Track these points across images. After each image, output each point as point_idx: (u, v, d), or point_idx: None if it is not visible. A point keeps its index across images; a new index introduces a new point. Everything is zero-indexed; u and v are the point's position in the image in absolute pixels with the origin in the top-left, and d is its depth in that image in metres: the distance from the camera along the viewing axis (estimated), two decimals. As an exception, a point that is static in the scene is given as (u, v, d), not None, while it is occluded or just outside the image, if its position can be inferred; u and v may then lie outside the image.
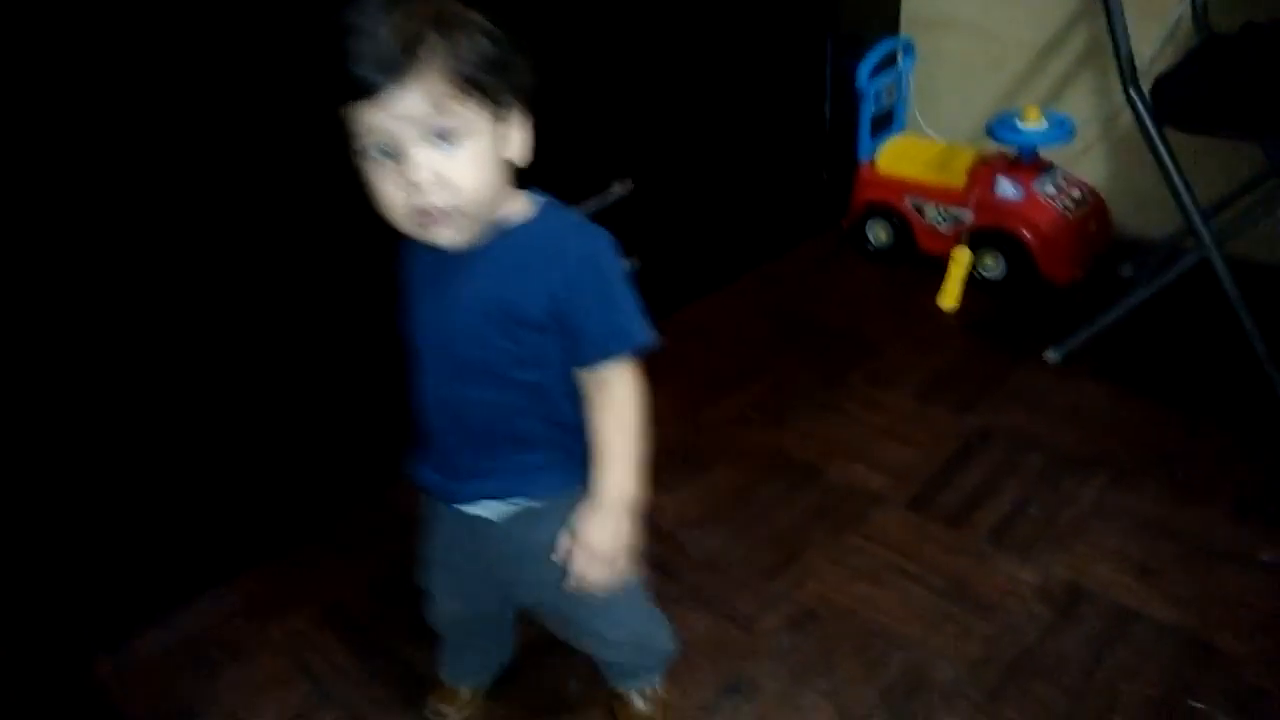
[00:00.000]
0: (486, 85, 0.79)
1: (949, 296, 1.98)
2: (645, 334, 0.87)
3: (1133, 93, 1.55)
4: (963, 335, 1.92)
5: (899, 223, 2.11)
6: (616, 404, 0.88)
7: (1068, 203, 1.96)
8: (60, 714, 1.31)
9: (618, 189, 1.76)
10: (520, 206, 0.89)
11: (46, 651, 1.38)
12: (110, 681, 1.34)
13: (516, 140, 0.85)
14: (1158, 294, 1.70)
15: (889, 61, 2.16)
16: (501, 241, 0.87)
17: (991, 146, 2.01)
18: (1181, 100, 1.51)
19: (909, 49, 2.20)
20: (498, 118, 0.82)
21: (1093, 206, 2.00)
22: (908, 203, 2.09)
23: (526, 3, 1.45)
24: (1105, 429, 1.63)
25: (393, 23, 0.74)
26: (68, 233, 1.16)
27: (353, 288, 1.39)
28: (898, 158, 2.14)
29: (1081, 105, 2.05)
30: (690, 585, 1.42)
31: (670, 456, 1.65)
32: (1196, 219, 1.57)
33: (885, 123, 2.21)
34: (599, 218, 1.74)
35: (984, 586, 1.37)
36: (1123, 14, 1.54)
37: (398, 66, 0.74)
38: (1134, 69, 1.55)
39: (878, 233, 2.15)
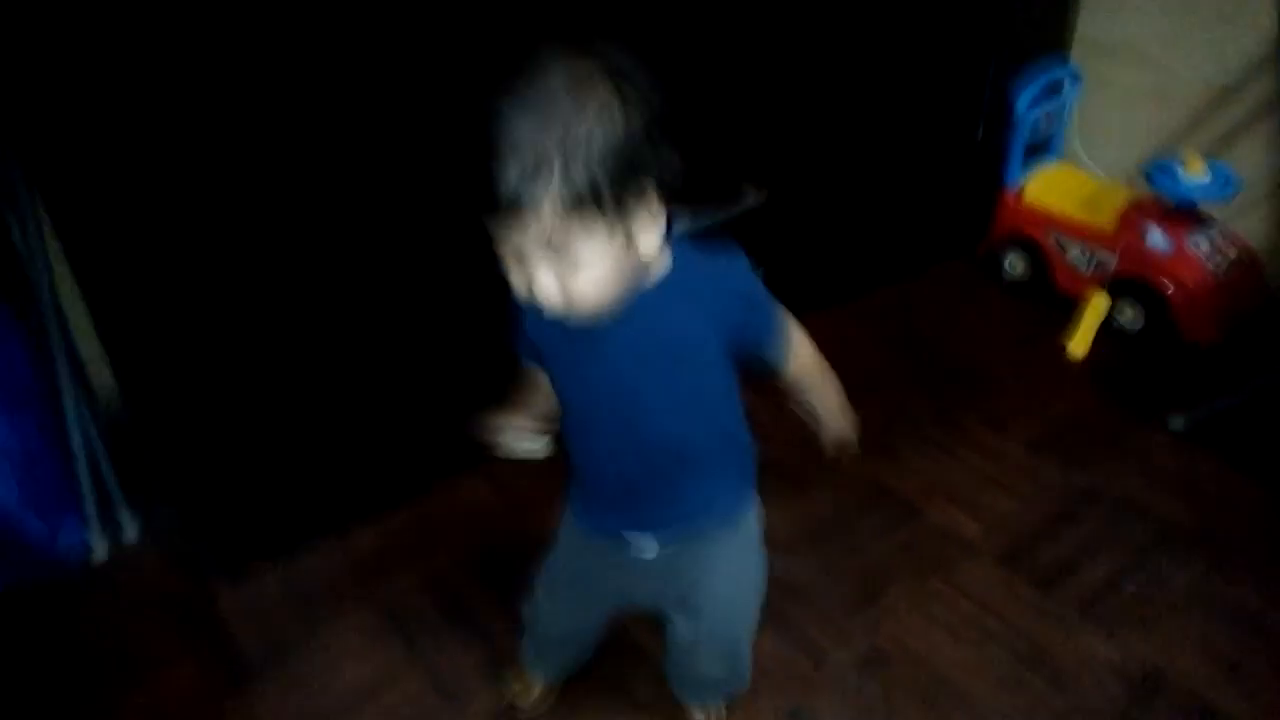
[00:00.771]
0: (605, 200, 0.78)
1: (1079, 343, 1.93)
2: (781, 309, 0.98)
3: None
4: (1087, 386, 1.87)
5: (1038, 257, 2.06)
6: (808, 353, 1.03)
7: (1220, 262, 1.87)
8: (182, 636, 1.45)
9: (753, 198, 1.77)
10: (660, 261, 0.90)
11: (182, 572, 1.53)
12: (226, 609, 1.47)
13: (650, 230, 0.84)
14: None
15: (1052, 88, 2.08)
16: (660, 290, 0.88)
17: (1149, 189, 1.93)
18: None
19: (1076, 78, 2.12)
20: (624, 221, 0.81)
21: (1247, 268, 1.91)
22: (1050, 238, 2.03)
23: (689, 9, 1.50)
24: (1216, 510, 1.58)
25: (535, 145, 0.75)
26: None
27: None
28: (1047, 189, 2.08)
29: (1251, 158, 1.95)
30: (770, 608, 1.45)
31: (771, 473, 1.66)
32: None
33: (1041, 151, 2.14)
34: (734, 224, 1.78)
35: (1063, 657, 1.37)
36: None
37: (529, 190, 0.75)
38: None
39: (1014, 264, 2.10)
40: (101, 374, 1.67)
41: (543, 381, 1.04)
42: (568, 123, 0.75)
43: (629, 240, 0.82)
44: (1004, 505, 1.61)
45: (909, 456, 1.72)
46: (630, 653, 1.32)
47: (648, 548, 1.03)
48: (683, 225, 1.71)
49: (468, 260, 1.42)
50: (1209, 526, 1.56)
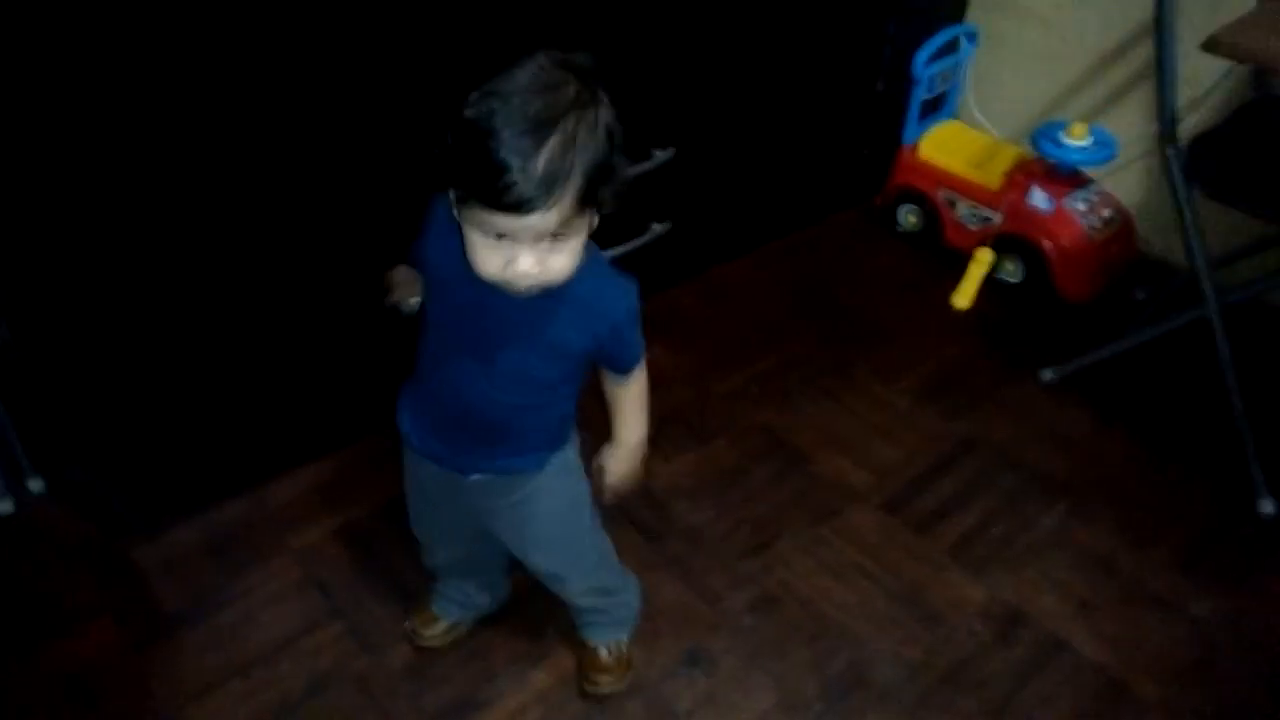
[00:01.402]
0: (601, 197, 0.88)
1: (964, 296, 2.05)
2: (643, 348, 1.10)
3: (1169, 150, 1.58)
4: (969, 338, 2.00)
5: (930, 211, 2.16)
6: (634, 391, 1.12)
7: (1095, 222, 2.00)
8: (99, 588, 1.47)
9: (660, 155, 1.81)
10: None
11: (95, 526, 1.55)
12: (144, 566, 1.50)
13: (595, 221, 0.94)
14: (1161, 330, 1.77)
15: (949, 47, 2.16)
16: (558, 290, 0.95)
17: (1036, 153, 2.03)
18: (1214, 169, 1.55)
19: (972, 37, 2.19)
20: (596, 212, 0.91)
21: (1120, 228, 2.04)
22: (941, 194, 2.13)
23: None
24: (1079, 458, 1.73)
25: (548, 151, 0.81)
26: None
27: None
28: (940, 146, 2.16)
29: (1131, 119, 2.06)
30: (670, 554, 1.56)
31: (675, 424, 1.77)
32: (1206, 282, 1.63)
33: (936, 106, 2.22)
34: (641, 181, 1.81)
35: (935, 598, 1.51)
36: (1175, 61, 1.55)
37: (547, 196, 0.82)
38: (1174, 124, 1.58)
39: (907, 217, 2.20)
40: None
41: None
42: (573, 132, 0.83)
43: (592, 222, 0.92)
44: (889, 454, 1.74)
45: (803, 406, 1.82)
46: (540, 602, 1.40)
47: (457, 466, 1.11)
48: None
49: (371, 214, 1.45)
50: (1073, 474, 1.70)
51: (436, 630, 1.40)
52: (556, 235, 0.87)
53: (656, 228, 1.89)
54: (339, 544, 1.55)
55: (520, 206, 0.83)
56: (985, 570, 1.55)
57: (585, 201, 0.86)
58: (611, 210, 0.93)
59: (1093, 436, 1.78)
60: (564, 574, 1.25)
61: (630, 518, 1.59)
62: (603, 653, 1.37)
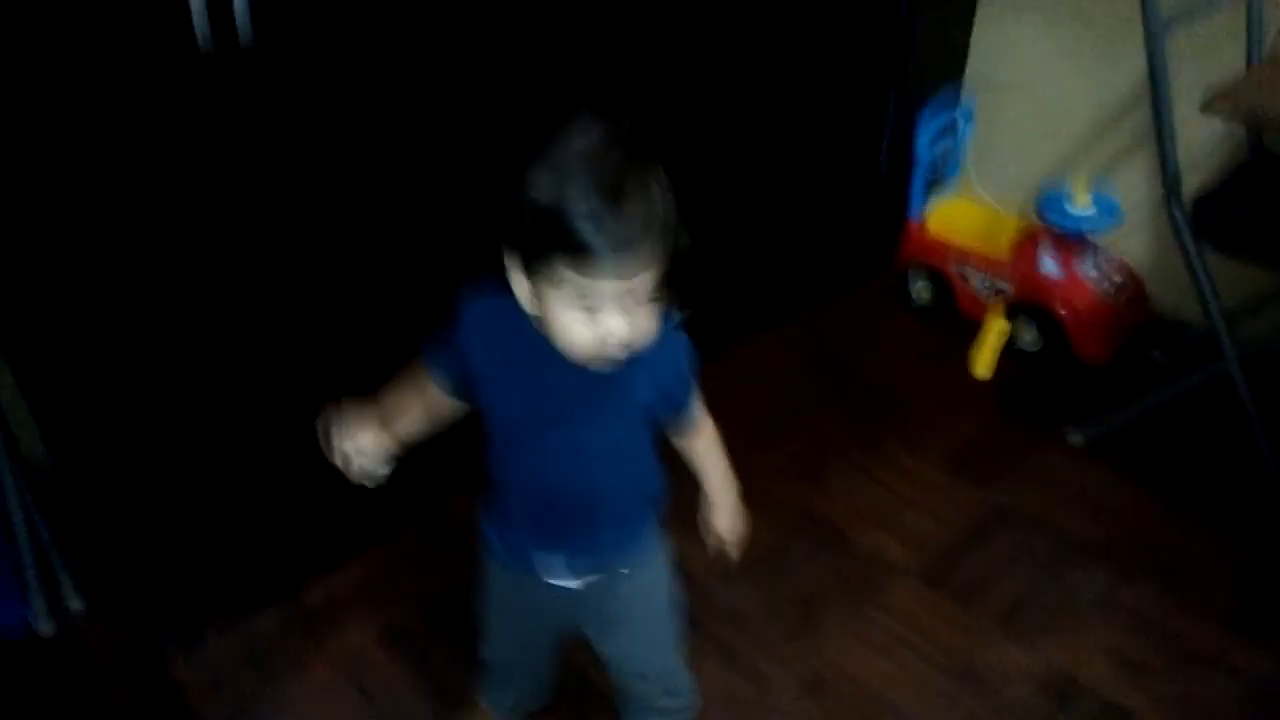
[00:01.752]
0: (671, 243, 0.89)
1: (983, 364, 2.07)
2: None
3: (1174, 208, 1.62)
4: (993, 404, 2.01)
5: (942, 284, 2.19)
6: (708, 436, 1.14)
7: (1107, 285, 2.03)
8: (141, 706, 1.45)
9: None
10: None
11: (135, 643, 1.54)
12: (185, 681, 1.49)
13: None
14: (1183, 389, 1.78)
15: (952, 127, 2.22)
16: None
17: (1039, 220, 2.07)
18: (1221, 223, 1.58)
19: (969, 116, 2.26)
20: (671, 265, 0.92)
21: (1132, 290, 2.07)
22: (953, 267, 2.17)
23: (596, 42, 1.57)
24: (1116, 521, 1.73)
25: (630, 212, 0.83)
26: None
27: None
28: (947, 220, 2.21)
29: (1133, 184, 2.10)
30: (713, 636, 1.54)
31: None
32: (1224, 336, 1.65)
33: (938, 181, 2.28)
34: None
35: (986, 669, 1.48)
36: (1173, 125, 1.60)
37: (634, 252, 0.84)
38: (1178, 184, 1.62)
39: (920, 291, 2.24)
40: (34, 446, 1.66)
41: (433, 409, 1.07)
42: (643, 184, 0.86)
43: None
44: (923, 525, 1.73)
45: (834, 481, 1.82)
46: (588, 693, 1.38)
47: (559, 573, 1.10)
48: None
49: (407, 325, 1.47)
50: (1111, 538, 1.70)
51: None
52: (642, 295, 0.88)
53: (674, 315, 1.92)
54: (379, 646, 1.53)
55: (612, 264, 0.84)
56: (1034, 638, 1.53)
57: (661, 252, 0.87)
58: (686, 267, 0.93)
59: (1126, 498, 1.78)
60: (654, 671, 1.24)
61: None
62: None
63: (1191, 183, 1.68)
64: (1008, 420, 1.97)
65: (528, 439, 1.03)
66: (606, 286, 0.86)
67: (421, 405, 1.08)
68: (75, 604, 1.58)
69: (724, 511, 1.17)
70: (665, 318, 0.99)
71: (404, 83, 1.36)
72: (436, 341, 1.03)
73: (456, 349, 1.02)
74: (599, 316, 0.88)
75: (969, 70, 2.30)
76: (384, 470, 1.04)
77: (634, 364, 0.96)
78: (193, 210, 1.26)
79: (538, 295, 0.90)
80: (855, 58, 2.04)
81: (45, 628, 1.55)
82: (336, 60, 1.28)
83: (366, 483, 1.04)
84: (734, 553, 1.20)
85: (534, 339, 0.94)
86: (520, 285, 0.91)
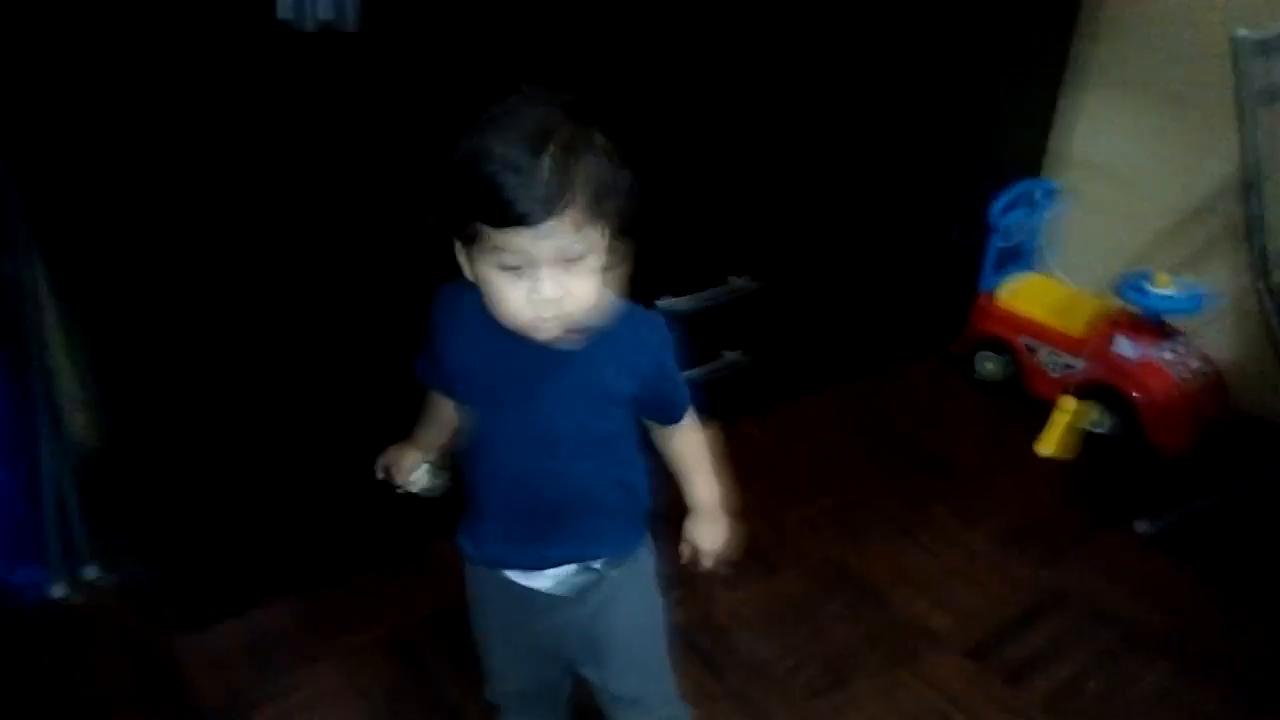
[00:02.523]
0: (611, 209, 0.86)
1: (1049, 444, 1.97)
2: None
3: (1261, 288, 1.54)
4: (1057, 486, 1.90)
5: (1010, 359, 2.11)
6: (694, 441, 1.08)
7: (1184, 372, 1.93)
8: (137, 679, 1.42)
9: (737, 283, 1.82)
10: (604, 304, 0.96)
11: (142, 618, 1.51)
12: (185, 661, 1.45)
13: (610, 258, 0.92)
14: (1261, 485, 1.67)
15: (1026, 199, 2.17)
16: (594, 335, 0.94)
17: (1119, 301, 1.99)
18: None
19: (1050, 193, 2.21)
20: (609, 234, 0.89)
21: (1211, 380, 1.97)
22: (1021, 341, 2.09)
23: (684, 103, 1.57)
24: (1182, 615, 1.60)
25: (548, 159, 0.81)
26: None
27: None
28: (1020, 295, 2.14)
29: (1218, 276, 2.02)
30: (732, 686, 1.45)
31: (741, 552, 1.68)
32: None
33: (1014, 258, 2.22)
34: (716, 310, 1.82)
35: (1027, 754, 1.37)
36: (1263, 200, 1.53)
37: (555, 204, 0.81)
38: (1266, 263, 1.54)
39: (985, 365, 2.16)
40: (78, 422, 1.67)
41: (442, 413, 1.09)
42: (569, 141, 0.83)
43: (604, 261, 0.89)
44: (970, 598, 1.62)
45: (877, 543, 1.73)
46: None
47: (531, 566, 1.04)
48: (669, 303, 1.76)
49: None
50: (1174, 631, 1.57)
51: None
52: (575, 253, 0.84)
53: (729, 355, 1.87)
54: (384, 653, 1.48)
55: (530, 217, 0.81)
56: (1083, 727, 1.41)
57: (595, 214, 0.84)
58: (627, 227, 0.90)
59: (1193, 592, 1.65)
60: (642, 697, 1.15)
61: (690, 644, 1.49)
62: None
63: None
64: (1070, 502, 1.86)
65: (494, 423, 0.99)
66: (528, 244, 0.83)
67: (433, 414, 1.11)
68: (92, 574, 1.56)
69: (704, 521, 1.10)
70: (628, 304, 0.97)
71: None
72: (422, 349, 1.04)
73: (433, 347, 1.02)
74: (525, 279, 0.85)
75: (1053, 148, 2.26)
76: (436, 481, 1.14)
77: (601, 346, 0.94)
78: (260, 196, 1.28)
79: (471, 262, 0.88)
80: (937, 125, 2.01)
81: (60, 593, 1.53)
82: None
83: (430, 494, 1.15)
84: (709, 563, 1.12)
85: (493, 318, 0.91)
86: (461, 256, 0.89)
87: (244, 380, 1.38)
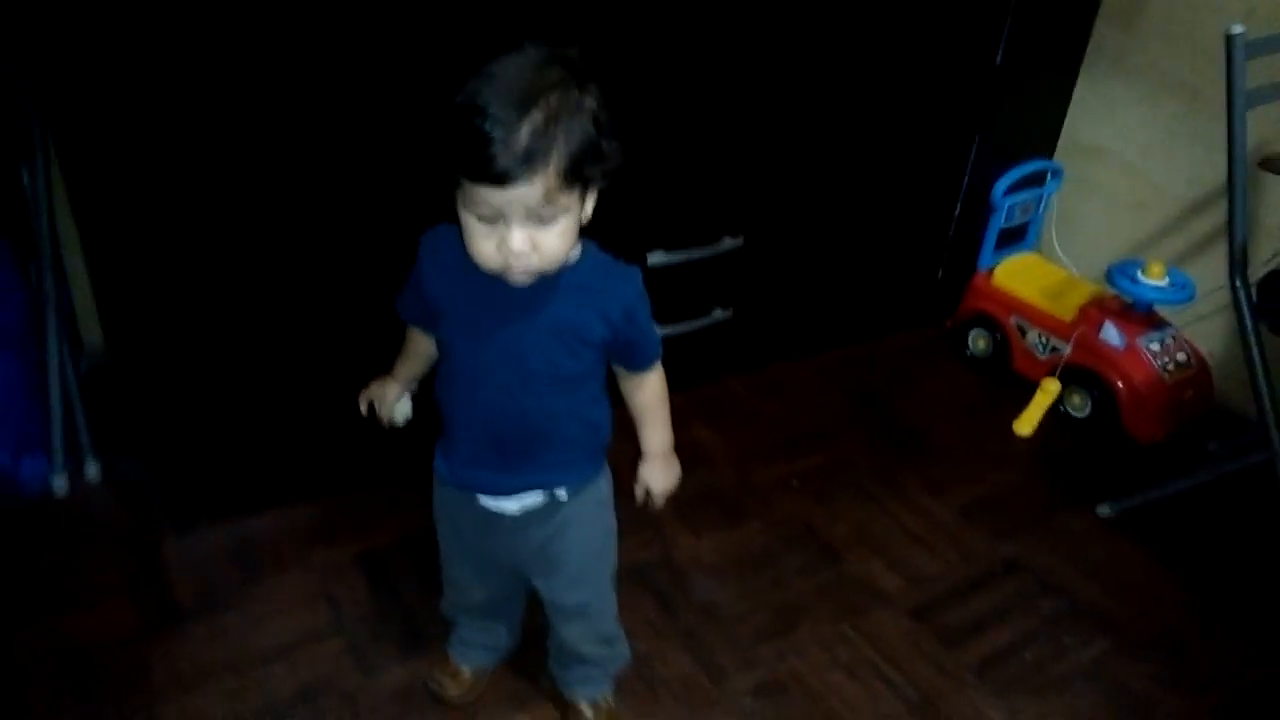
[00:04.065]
0: (588, 175, 0.92)
1: (1027, 423, 2.00)
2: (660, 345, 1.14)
3: (1237, 284, 1.55)
4: (1028, 465, 1.94)
5: (1000, 337, 2.14)
6: (655, 391, 1.16)
7: (1168, 363, 1.94)
8: (123, 572, 1.52)
9: (729, 242, 1.86)
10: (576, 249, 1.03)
11: (134, 516, 1.60)
12: (170, 559, 1.54)
13: (589, 206, 0.99)
14: (1225, 478, 1.69)
15: (1032, 179, 2.18)
16: (567, 276, 1.01)
17: (1110, 288, 2.01)
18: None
19: (1057, 174, 2.21)
20: (586, 194, 0.96)
21: (1195, 373, 1.98)
22: (1013, 320, 2.11)
23: (690, 65, 1.60)
24: (1128, 596, 1.64)
25: (530, 124, 0.86)
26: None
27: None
28: (1016, 275, 2.16)
29: (1215, 270, 2.02)
30: (683, 626, 1.52)
31: (709, 501, 1.75)
32: (1272, 423, 1.56)
33: (1015, 237, 2.23)
34: (707, 265, 1.86)
35: (951, 712, 1.42)
36: (1245, 200, 1.54)
37: (529, 166, 0.87)
38: (1244, 259, 1.55)
39: (977, 341, 2.18)
40: (87, 326, 1.76)
41: (422, 348, 1.18)
42: (556, 107, 0.88)
43: (584, 207, 0.96)
44: (924, 563, 1.67)
45: (844, 506, 1.78)
46: (536, 648, 1.37)
47: (497, 491, 1.12)
48: (661, 258, 1.80)
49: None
50: (1119, 610, 1.61)
51: (460, 679, 1.36)
52: (545, 214, 0.90)
53: (718, 313, 1.92)
54: (357, 567, 1.56)
55: (504, 177, 0.86)
56: (1010, 693, 1.46)
57: (571, 178, 0.89)
58: (601, 186, 0.96)
59: (1145, 576, 1.69)
60: (586, 610, 1.24)
61: (647, 583, 1.57)
62: (587, 711, 1.33)
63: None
64: (1039, 481, 1.90)
65: (472, 358, 1.06)
66: (500, 200, 0.88)
67: (413, 349, 1.19)
68: (92, 472, 1.66)
69: (657, 465, 1.20)
70: (604, 254, 1.04)
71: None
72: (403, 289, 1.11)
73: (416, 284, 1.08)
74: (498, 229, 0.91)
75: (1064, 133, 2.26)
76: (403, 412, 1.24)
77: (579, 293, 1.01)
78: (272, 153, 1.34)
79: (457, 205, 0.94)
80: (946, 102, 2.02)
81: (60, 487, 1.63)
82: None
83: (394, 423, 1.25)
84: (660, 503, 1.22)
85: (494, 281, 0.97)
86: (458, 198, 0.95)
87: (245, 300, 1.45)
